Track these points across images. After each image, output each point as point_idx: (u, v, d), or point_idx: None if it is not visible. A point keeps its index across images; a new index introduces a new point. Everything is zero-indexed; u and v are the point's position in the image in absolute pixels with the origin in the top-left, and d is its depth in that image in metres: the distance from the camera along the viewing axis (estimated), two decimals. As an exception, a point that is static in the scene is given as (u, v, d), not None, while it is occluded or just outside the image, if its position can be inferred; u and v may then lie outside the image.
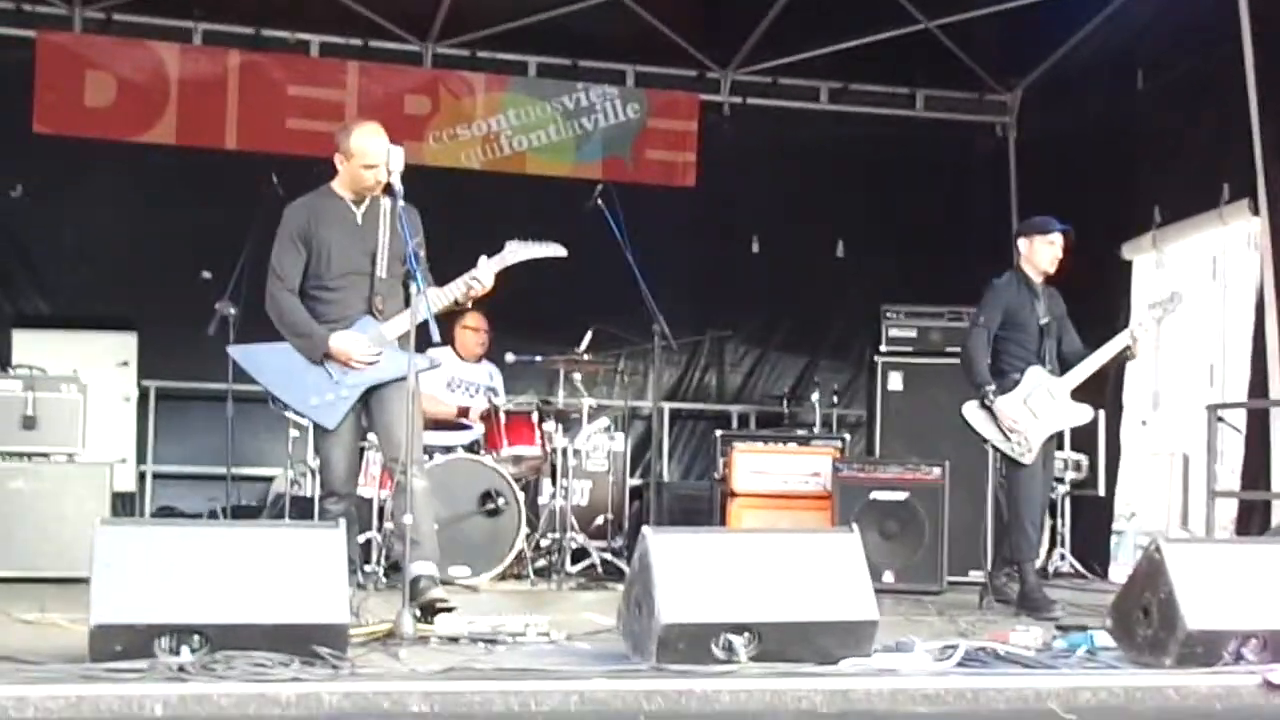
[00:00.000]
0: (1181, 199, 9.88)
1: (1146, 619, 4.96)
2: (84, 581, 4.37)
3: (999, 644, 5.21)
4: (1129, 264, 10.47)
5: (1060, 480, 9.67)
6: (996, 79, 12.05)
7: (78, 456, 8.07)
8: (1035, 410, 7.47)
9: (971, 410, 7.51)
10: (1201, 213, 9.72)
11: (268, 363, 6.30)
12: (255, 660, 4.21)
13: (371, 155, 6.19)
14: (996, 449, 7.53)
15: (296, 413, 6.56)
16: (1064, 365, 7.64)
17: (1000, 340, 7.61)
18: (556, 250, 6.52)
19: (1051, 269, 7.69)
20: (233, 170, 10.37)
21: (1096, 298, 9.68)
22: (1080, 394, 7.62)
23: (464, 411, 8.94)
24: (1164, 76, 10.12)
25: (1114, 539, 10.73)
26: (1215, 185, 9.43)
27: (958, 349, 8.24)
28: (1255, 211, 8.98)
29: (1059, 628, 5.66)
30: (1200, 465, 9.59)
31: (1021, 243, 7.74)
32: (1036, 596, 7.32)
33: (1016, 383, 7.52)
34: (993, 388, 7.44)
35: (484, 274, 6.31)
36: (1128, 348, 7.55)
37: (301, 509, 8.88)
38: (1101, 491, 10.17)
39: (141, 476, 10.55)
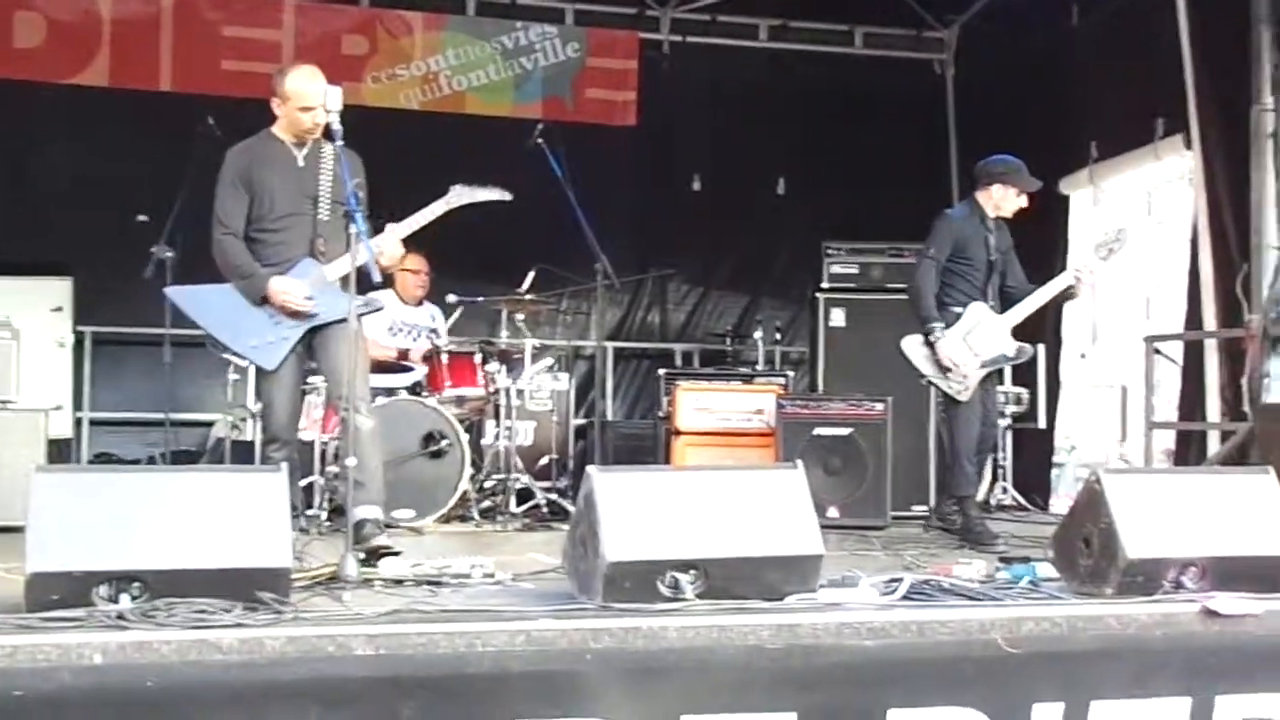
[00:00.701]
0: (1117, 135, 9.95)
1: (1088, 549, 4.99)
2: (21, 530, 4.28)
3: (943, 577, 5.23)
4: (1066, 199, 10.53)
5: (1001, 414, 9.71)
6: (934, 16, 12.03)
7: (12, 404, 7.93)
8: (975, 347, 7.45)
9: (911, 344, 7.48)
10: (1136, 148, 9.78)
11: (206, 304, 6.26)
12: (197, 606, 4.15)
13: (308, 97, 6.15)
14: (933, 384, 7.53)
15: (236, 355, 6.50)
16: (1008, 300, 7.63)
17: (946, 273, 7.56)
18: (501, 195, 6.52)
19: (1009, 216, 7.67)
20: (167, 112, 10.19)
21: (1034, 233, 9.65)
22: (1020, 329, 7.61)
23: (403, 354, 8.87)
24: (1099, 12, 10.17)
25: (1054, 471, 10.81)
26: (1149, 121, 9.50)
27: (899, 285, 8.22)
28: (1188, 146, 9.01)
29: (1002, 560, 5.69)
30: (1138, 397, 9.65)
31: (995, 188, 7.60)
32: (979, 530, 7.35)
33: (958, 316, 7.49)
34: (940, 324, 7.40)
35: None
36: (1070, 286, 7.54)
37: (242, 454, 8.78)
38: (1042, 424, 10.23)
39: (78, 423, 10.43)
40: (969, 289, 7.56)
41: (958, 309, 7.53)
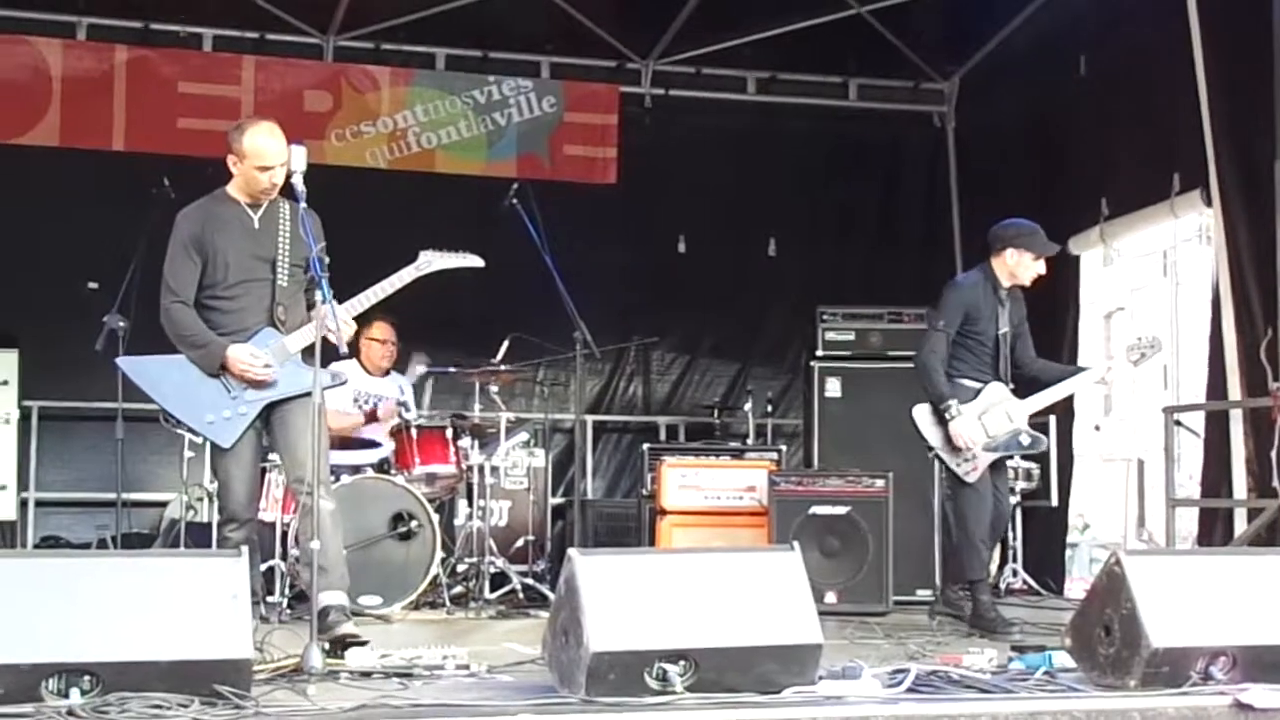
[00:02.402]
0: (1130, 191, 9.95)
1: (1108, 637, 4.96)
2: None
3: (952, 667, 5.21)
4: (1077, 260, 10.54)
5: (1011, 490, 9.71)
6: (933, 66, 12.11)
7: (-47, 484, 7.91)
8: (989, 429, 7.46)
9: (922, 414, 7.50)
10: (1151, 205, 9.79)
11: (160, 376, 6.24)
12: (151, 701, 4.13)
13: (267, 156, 6.16)
14: (940, 459, 7.53)
15: (191, 431, 6.48)
16: (1017, 375, 7.65)
17: (954, 345, 7.55)
18: (473, 261, 6.53)
19: (1027, 284, 7.66)
20: (121, 173, 10.26)
21: (1043, 295, 9.71)
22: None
23: (371, 414, 8.86)
24: (1108, 61, 10.18)
25: (1068, 552, 10.78)
26: (1165, 176, 9.49)
27: (899, 352, 8.23)
28: (1208, 203, 9.03)
29: (1015, 649, 5.66)
30: (1157, 471, 9.64)
31: (1009, 253, 7.57)
32: (991, 617, 7.33)
33: (975, 393, 7.50)
34: (955, 403, 7.38)
35: (395, 283, 6.31)
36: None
37: (198, 536, 8.77)
38: (1054, 502, 10.22)
39: (23, 504, 10.35)
40: (978, 364, 7.56)
41: (972, 384, 7.52)
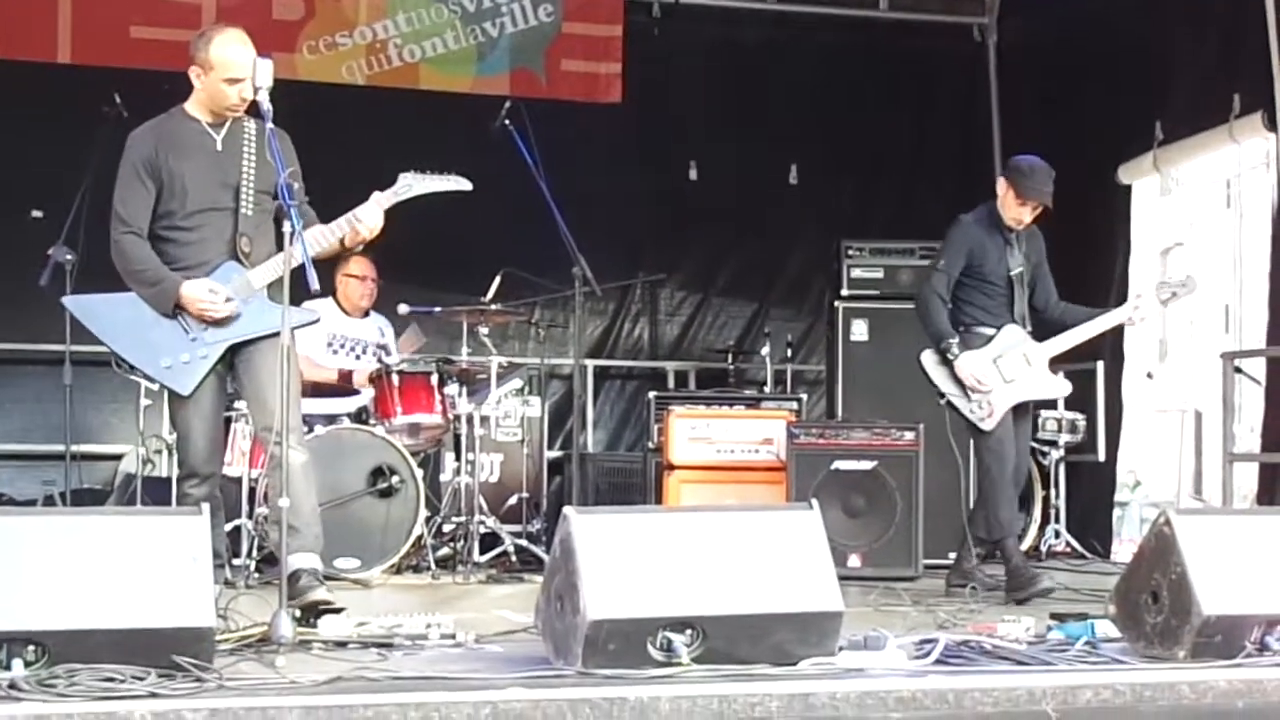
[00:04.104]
0: (1187, 113, 9.91)
1: (1155, 604, 5.00)
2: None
3: (985, 637, 5.24)
4: (1128, 189, 10.52)
5: (1053, 444, 9.75)
6: (974, -29, 12.09)
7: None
8: (1005, 373, 7.56)
9: (930, 360, 7.60)
10: (1209, 129, 9.76)
11: (111, 316, 6.22)
12: (104, 674, 4.16)
13: (235, 68, 6.12)
14: (953, 407, 7.57)
15: (146, 377, 6.49)
16: (1037, 320, 7.73)
17: (963, 288, 7.67)
18: (460, 184, 6.49)
19: (1015, 227, 7.69)
20: (67, 88, 10.18)
21: (1090, 229, 9.73)
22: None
23: (346, 375, 8.87)
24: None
25: (1116, 512, 10.83)
26: (1225, 97, 9.45)
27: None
28: (1271, 127, 9.03)
29: (1055, 617, 5.70)
30: (1216, 423, 9.66)
31: (999, 185, 7.75)
32: (1021, 572, 7.39)
33: (988, 339, 7.60)
34: (955, 341, 7.51)
35: (371, 212, 6.27)
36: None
37: (156, 493, 8.79)
38: (1101, 457, 10.24)
39: (-37, 458, 10.43)
40: (991, 306, 7.67)
41: (986, 330, 7.64)
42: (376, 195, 6.29)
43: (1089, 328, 7.74)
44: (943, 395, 7.59)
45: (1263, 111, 9.06)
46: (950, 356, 7.49)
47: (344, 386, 8.83)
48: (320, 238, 6.18)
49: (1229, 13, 9.29)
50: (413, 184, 6.40)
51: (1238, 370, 9.12)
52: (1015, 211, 7.62)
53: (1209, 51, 9.69)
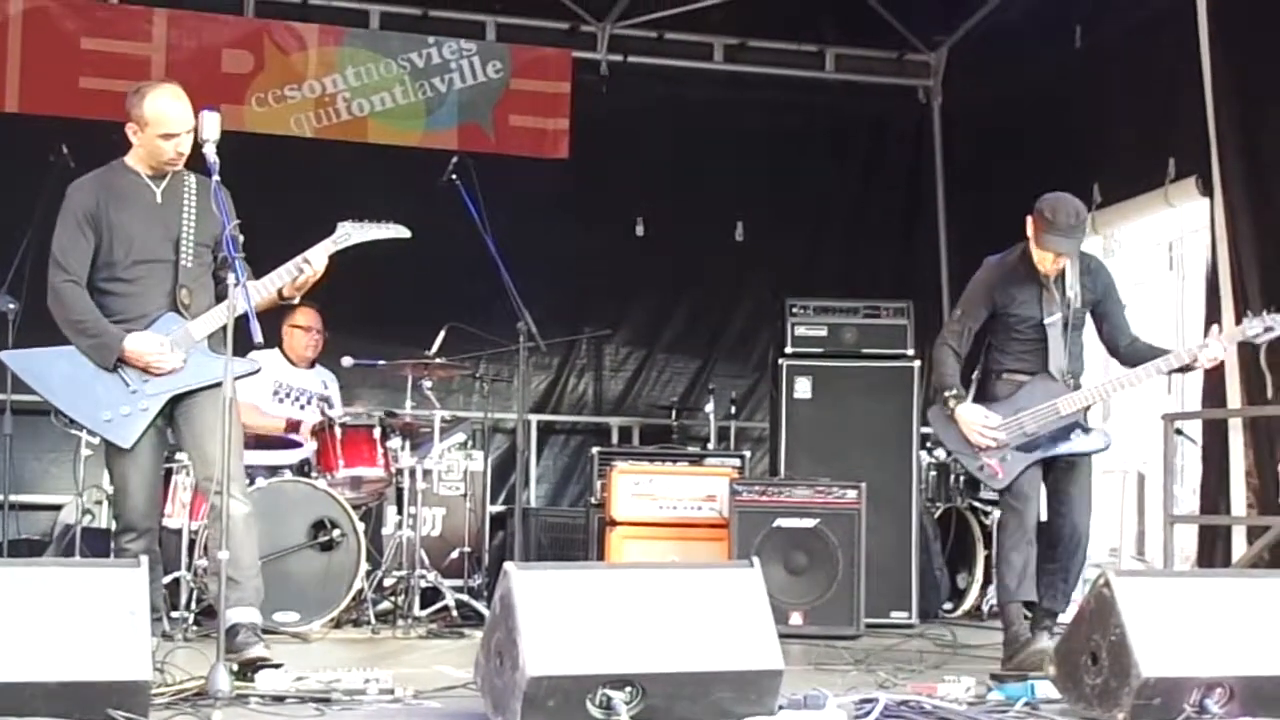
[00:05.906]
0: (1123, 176, 10.02)
1: (1095, 666, 5.00)
2: None
3: (925, 697, 5.24)
4: (1069, 249, 10.57)
5: (995, 503, 9.70)
6: (919, 36, 12.16)
7: None
8: (1027, 426, 6.89)
9: (935, 413, 7.10)
10: (1145, 193, 9.86)
11: (50, 370, 6.19)
12: (37, 728, 4.13)
13: (170, 122, 6.14)
14: (962, 467, 7.30)
15: (88, 430, 6.44)
16: (1127, 359, 7.07)
17: (995, 333, 7.04)
18: (398, 231, 6.50)
19: (1047, 271, 6.90)
20: (14, 138, 10.17)
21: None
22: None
23: (293, 425, 8.83)
24: (1106, 34, 10.27)
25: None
26: (1160, 160, 9.54)
27: (875, 350, 8.15)
28: (1204, 192, 9.10)
29: (994, 677, 5.70)
30: (1157, 485, 9.68)
31: (1028, 222, 6.87)
32: (1013, 641, 6.83)
33: (1019, 385, 6.96)
34: (953, 393, 6.91)
35: (315, 258, 6.26)
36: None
37: (95, 544, 8.70)
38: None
39: (-101, 507, 10.30)
40: (1027, 354, 6.98)
41: (1018, 377, 6.98)
42: (319, 245, 6.29)
43: (1141, 373, 6.94)
44: (950, 453, 7.25)
45: (1197, 176, 9.13)
46: (949, 409, 6.90)
47: (289, 437, 8.78)
48: (261, 288, 6.16)
49: (1164, 79, 9.38)
50: (351, 232, 6.41)
51: (1178, 432, 9.13)
52: (1039, 257, 6.86)
53: (1145, 116, 9.79)
